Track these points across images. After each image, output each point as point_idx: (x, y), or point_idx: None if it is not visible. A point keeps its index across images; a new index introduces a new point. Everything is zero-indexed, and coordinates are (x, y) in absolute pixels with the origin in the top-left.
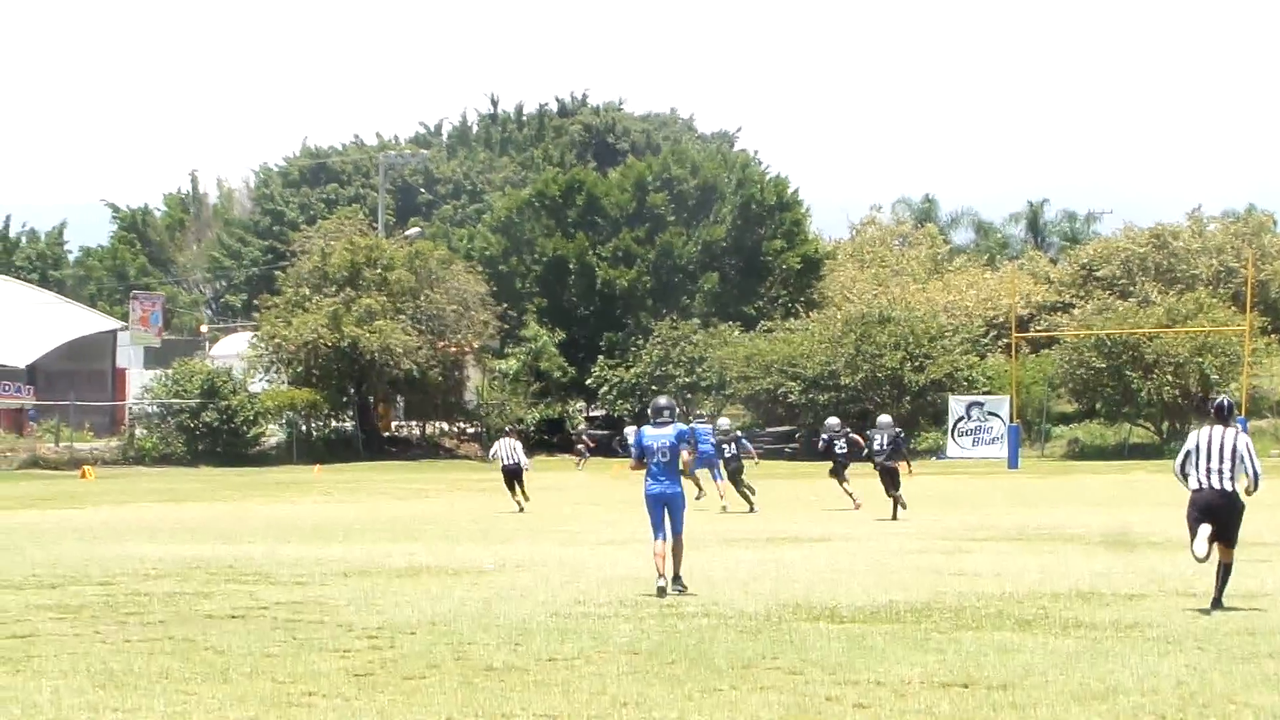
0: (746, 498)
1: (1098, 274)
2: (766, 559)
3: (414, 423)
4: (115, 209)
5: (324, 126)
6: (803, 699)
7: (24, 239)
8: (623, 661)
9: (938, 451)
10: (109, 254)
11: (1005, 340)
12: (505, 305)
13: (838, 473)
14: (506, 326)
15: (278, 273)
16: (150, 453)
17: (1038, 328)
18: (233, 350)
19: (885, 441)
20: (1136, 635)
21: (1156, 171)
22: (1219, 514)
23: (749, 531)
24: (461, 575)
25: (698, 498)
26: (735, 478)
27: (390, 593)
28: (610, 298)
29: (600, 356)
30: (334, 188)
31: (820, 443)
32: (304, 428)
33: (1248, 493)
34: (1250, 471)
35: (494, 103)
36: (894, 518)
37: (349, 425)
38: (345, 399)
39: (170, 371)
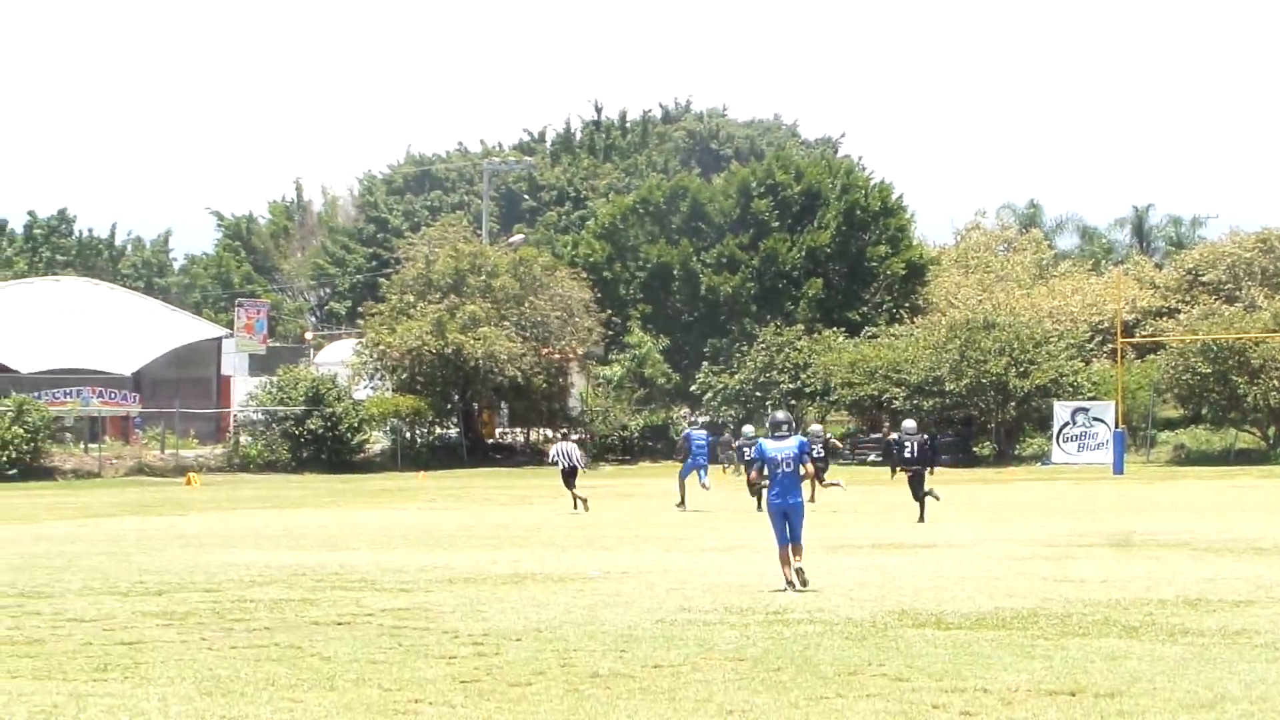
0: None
1: (1203, 279)
2: (872, 565)
3: (518, 429)
4: (220, 217)
5: (428, 134)
6: (909, 706)
7: (130, 247)
8: (728, 669)
9: (1043, 458)
10: (214, 261)
11: (1110, 346)
12: (609, 312)
13: (914, 481)
14: (610, 333)
15: (382, 280)
16: (255, 460)
17: (1143, 333)
18: (337, 357)
19: (915, 448)
20: (1244, 642)
21: (1263, 176)
22: None
23: (854, 538)
24: (566, 582)
25: (679, 505)
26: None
27: (495, 599)
28: (714, 304)
29: (704, 363)
30: (438, 195)
31: (894, 447)
32: (408, 434)
33: None
34: None
35: (598, 109)
36: (921, 519)
37: (453, 432)
38: (449, 406)
39: (275, 379)
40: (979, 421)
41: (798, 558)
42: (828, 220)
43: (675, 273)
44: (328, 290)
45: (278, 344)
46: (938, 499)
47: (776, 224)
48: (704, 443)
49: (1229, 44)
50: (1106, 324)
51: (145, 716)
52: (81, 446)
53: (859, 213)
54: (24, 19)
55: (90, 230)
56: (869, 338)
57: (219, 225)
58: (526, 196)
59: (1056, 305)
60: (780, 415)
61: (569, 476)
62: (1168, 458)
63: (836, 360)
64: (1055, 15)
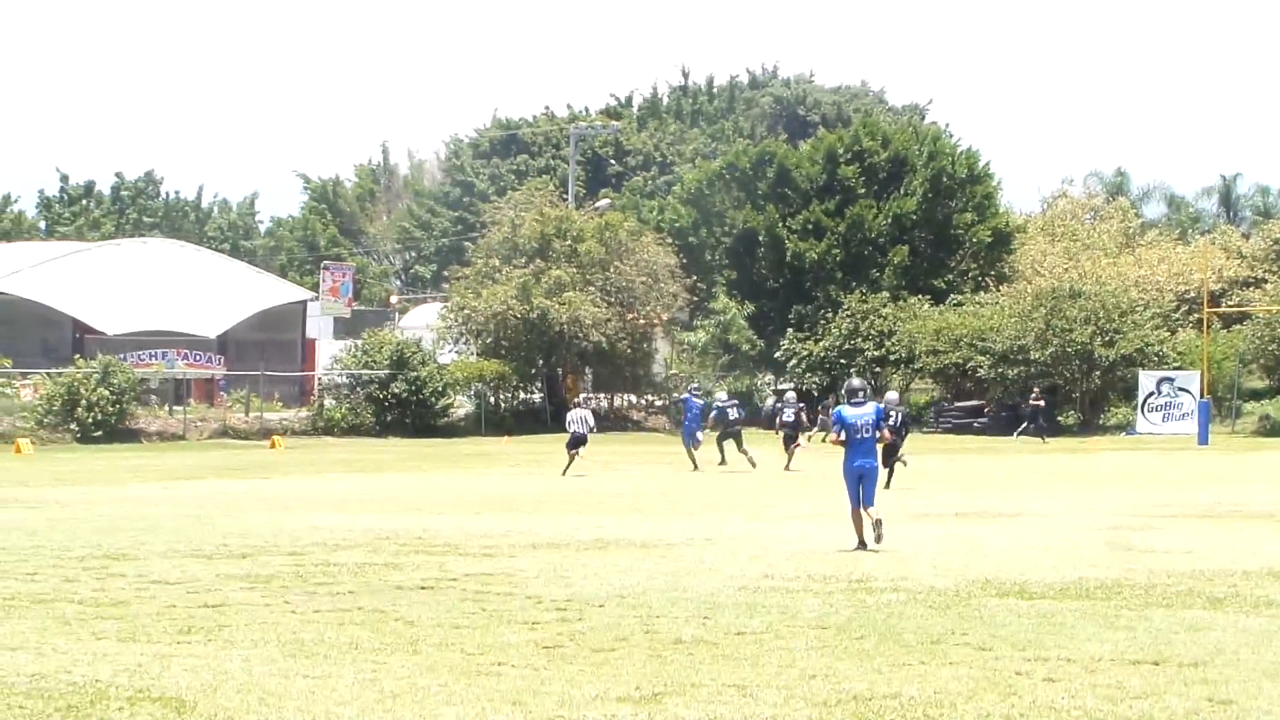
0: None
1: None
2: (955, 534)
3: (602, 395)
4: (306, 180)
5: (515, 98)
6: (991, 674)
7: (216, 209)
8: (811, 636)
9: (1127, 427)
10: (300, 224)
11: (1196, 315)
12: (694, 278)
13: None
14: (695, 299)
15: (467, 244)
16: (339, 423)
17: (1229, 303)
18: (422, 321)
19: (898, 419)
20: None
21: None
22: None
23: (938, 506)
24: (650, 549)
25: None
26: (737, 439)
27: (579, 566)
28: (800, 270)
29: (789, 330)
30: (524, 159)
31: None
32: (492, 399)
33: None
34: None
35: (685, 74)
36: (887, 485)
37: (537, 397)
38: (534, 371)
39: (360, 342)
40: (1064, 390)
41: (874, 516)
42: (914, 187)
43: (761, 239)
44: (413, 254)
45: (363, 307)
46: (905, 464)
47: (863, 190)
48: (698, 410)
49: None
50: (1193, 293)
51: (229, 677)
52: (166, 409)
53: (945, 180)
54: None
55: (177, 192)
56: (954, 305)
57: (305, 188)
58: (612, 161)
59: (1143, 274)
60: (856, 382)
61: (578, 443)
62: (1253, 428)
63: (921, 328)
64: None
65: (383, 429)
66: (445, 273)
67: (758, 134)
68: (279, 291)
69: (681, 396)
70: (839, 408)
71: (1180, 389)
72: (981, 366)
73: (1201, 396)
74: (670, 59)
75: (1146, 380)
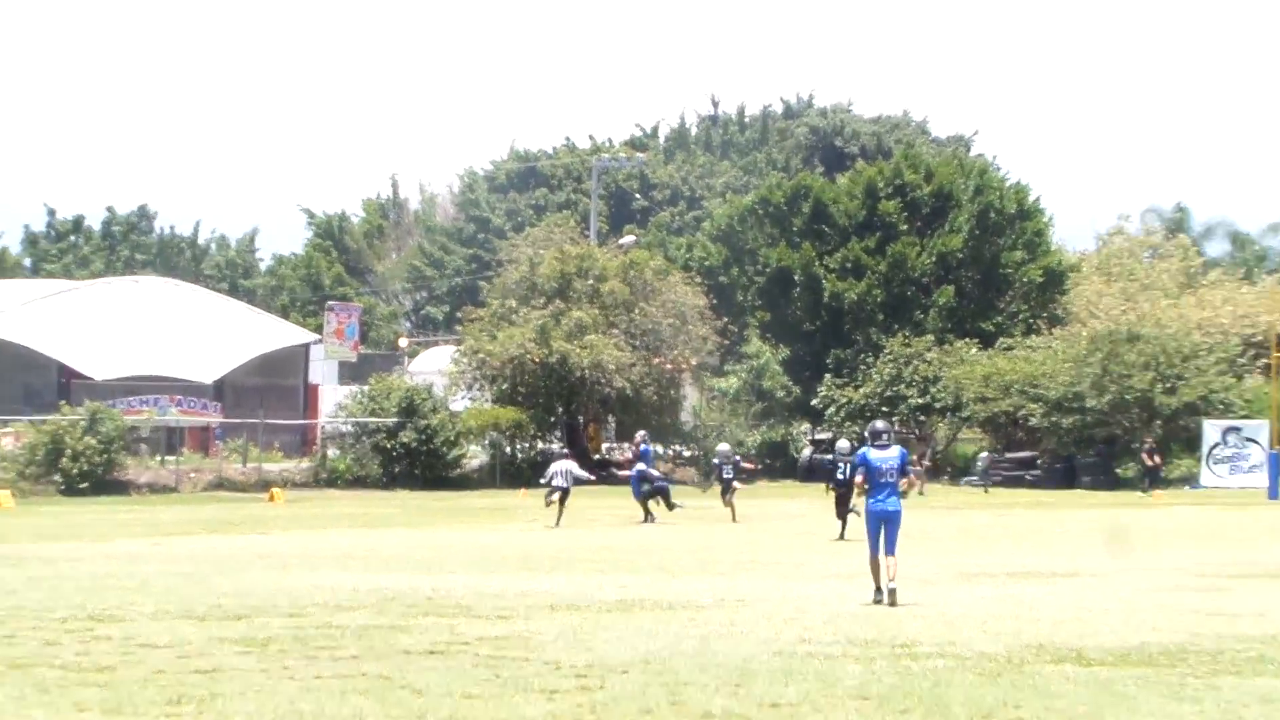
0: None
1: None
2: (1007, 595)
3: (626, 444)
4: (311, 215)
5: (533, 129)
6: None
7: (214, 246)
8: (851, 708)
9: (1191, 480)
10: (303, 262)
11: (1265, 360)
12: (725, 319)
13: (842, 500)
14: (726, 342)
15: (482, 283)
16: (343, 475)
17: None
18: (433, 366)
19: (849, 470)
20: None
21: None
22: None
23: (988, 565)
24: (677, 610)
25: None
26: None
27: (600, 629)
28: (838, 312)
29: (827, 375)
30: (543, 193)
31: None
32: (508, 449)
33: None
34: None
35: (714, 104)
36: (841, 537)
37: (556, 447)
38: (553, 419)
39: (366, 388)
40: (1122, 441)
41: (891, 572)
42: (960, 223)
43: (796, 278)
44: (424, 294)
45: (370, 351)
46: (859, 514)
47: (905, 227)
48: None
49: None
50: (1260, 337)
51: None
52: (158, 459)
53: (993, 215)
54: (105, 6)
55: (172, 228)
56: (1003, 349)
57: (309, 223)
58: (638, 196)
59: (1206, 316)
60: (880, 424)
61: (563, 496)
62: None
63: (969, 373)
64: (1199, 12)
65: (390, 481)
66: (458, 314)
67: (792, 167)
68: (280, 334)
69: (638, 445)
70: (862, 450)
71: (1248, 439)
72: (1033, 415)
73: (1271, 447)
74: (699, 87)
75: (1211, 430)
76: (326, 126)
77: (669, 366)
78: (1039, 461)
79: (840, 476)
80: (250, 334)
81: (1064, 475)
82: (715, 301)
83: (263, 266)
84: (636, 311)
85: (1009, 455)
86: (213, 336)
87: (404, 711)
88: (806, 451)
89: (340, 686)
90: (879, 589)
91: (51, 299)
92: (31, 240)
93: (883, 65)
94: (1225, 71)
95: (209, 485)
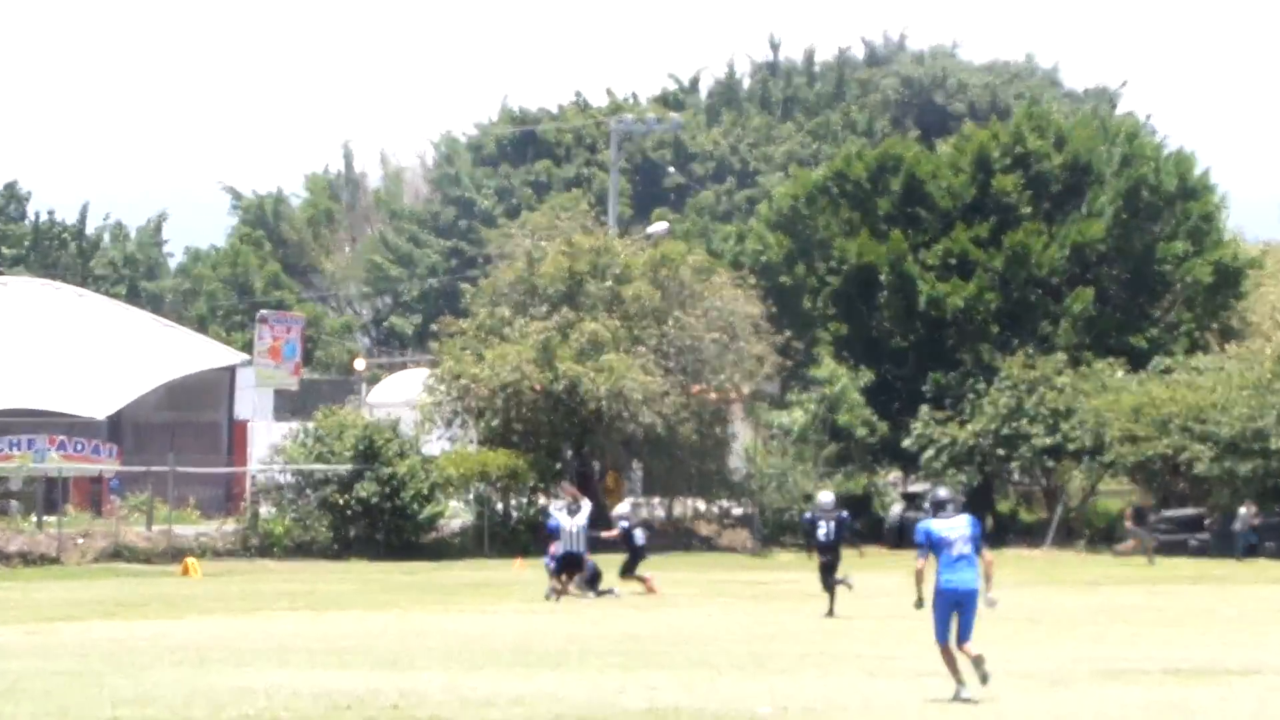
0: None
1: None
2: (1164, 701)
3: (656, 499)
4: (237, 196)
5: (533, 81)
6: None
7: (107, 236)
8: None
9: None
10: (226, 258)
11: None
12: (788, 334)
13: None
14: (790, 364)
15: (466, 286)
16: (280, 540)
17: None
18: (400, 395)
19: (831, 529)
20: None
21: None
22: None
23: (1137, 660)
24: None
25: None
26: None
27: None
28: (938, 323)
29: (923, 407)
30: (546, 166)
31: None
32: (500, 505)
33: None
34: None
35: (774, 48)
36: (830, 613)
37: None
38: (559, 465)
39: (311, 425)
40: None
41: (970, 653)
42: (1101, 205)
43: (883, 279)
44: (388, 300)
45: (315, 376)
46: (850, 588)
47: (1028, 210)
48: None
49: None
50: None
51: None
52: (33, 519)
53: (1146, 194)
54: None
55: (51, 213)
56: (1160, 372)
57: (235, 207)
58: (672, 169)
59: None
60: (944, 492)
61: (570, 565)
62: None
63: (1113, 404)
64: None
65: (343, 548)
66: (434, 327)
67: (878, 130)
68: (196, 353)
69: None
70: (923, 523)
71: None
72: (1200, 459)
73: None
74: (753, 25)
75: None
76: (256, 80)
77: (714, 396)
78: (1207, 522)
79: (822, 539)
80: (156, 354)
81: (1239, 539)
82: (774, 310)
83: (173, 264)
84: (670, 323)
85: (1166, 514)
86: (106, 357)
87: None
88: (896, 509)
89: None
90: (960, 682)
91: None
92: None
93: None
94: None
95: (102, 554)
